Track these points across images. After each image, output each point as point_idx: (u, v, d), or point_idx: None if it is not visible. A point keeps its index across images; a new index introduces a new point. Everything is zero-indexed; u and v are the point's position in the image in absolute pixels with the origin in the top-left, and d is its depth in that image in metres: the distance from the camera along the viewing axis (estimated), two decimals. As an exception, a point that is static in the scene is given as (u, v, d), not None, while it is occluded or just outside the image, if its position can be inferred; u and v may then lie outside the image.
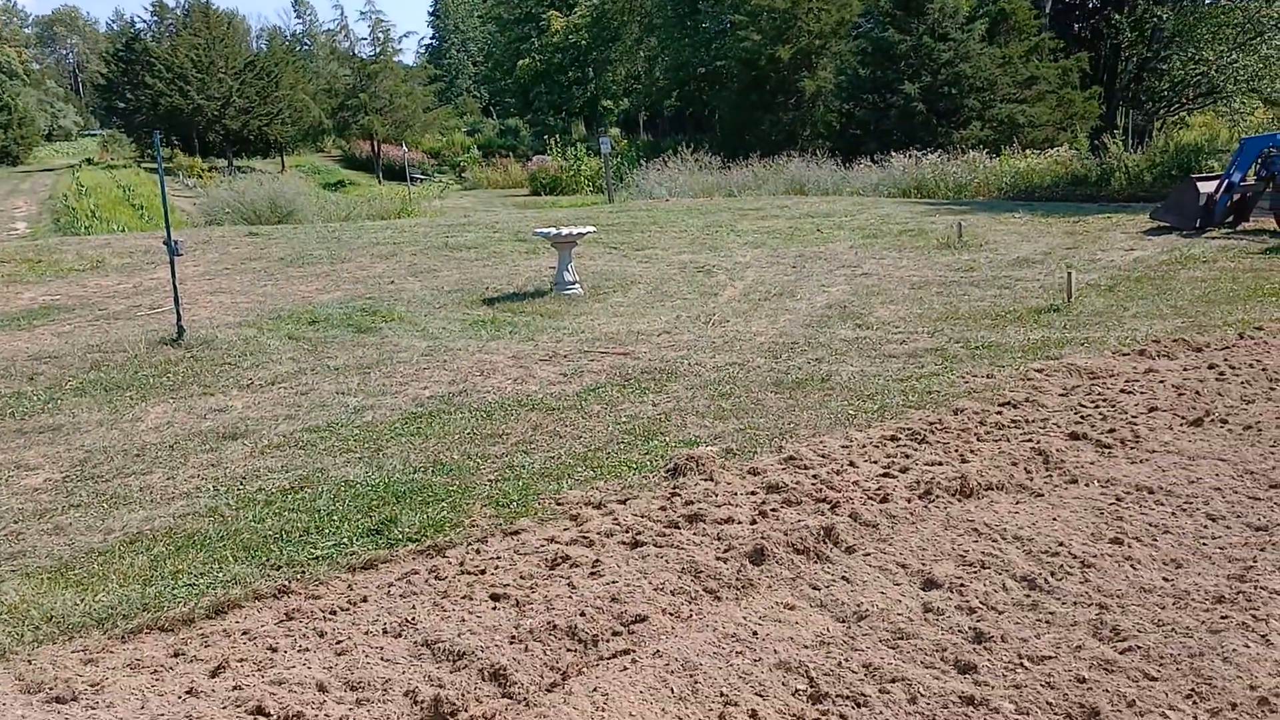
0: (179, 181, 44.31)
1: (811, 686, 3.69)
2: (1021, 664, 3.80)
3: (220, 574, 4.82)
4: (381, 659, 3.96)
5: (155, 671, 3.91)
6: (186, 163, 51.45)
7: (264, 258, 15.82)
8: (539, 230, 12.42)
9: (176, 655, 4.07)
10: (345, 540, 5.16)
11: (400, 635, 4.15)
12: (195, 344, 9.76)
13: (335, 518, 5.47)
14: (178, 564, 4.96)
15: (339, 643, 4.09)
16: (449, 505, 5.58)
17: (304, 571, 4.81)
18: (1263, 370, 7.65)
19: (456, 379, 8.36)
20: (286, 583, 4.67)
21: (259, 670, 3.89)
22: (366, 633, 4.17)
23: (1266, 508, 5.22)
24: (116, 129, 66.34)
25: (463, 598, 4.45)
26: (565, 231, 11.97)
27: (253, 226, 21.31)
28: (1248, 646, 3.85)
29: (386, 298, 12.10)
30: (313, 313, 11.20)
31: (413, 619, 4.26)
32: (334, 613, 4.37)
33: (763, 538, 4.85)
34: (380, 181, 51.38)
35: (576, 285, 12.17)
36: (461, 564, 4.81)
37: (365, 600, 4.48)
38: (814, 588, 4.48)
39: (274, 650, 4.05)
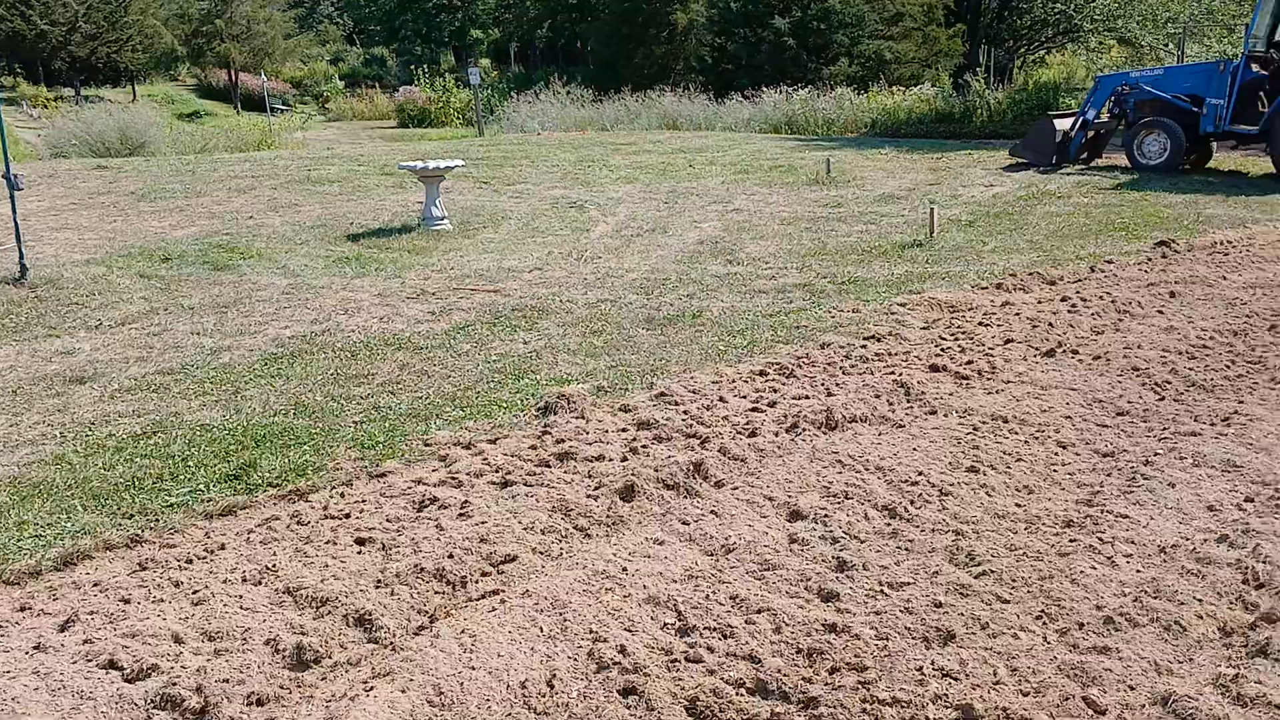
0: (22, 111, 41.81)
1: (680, 620, 3.72)
2: (882, 591, 3.90)
3: (69, 524, 4.61)
4: (241, 608, 3.84)
5: (0, 627, 3.73)
6: (30, 92, 48.42)
7: (113, 192, 15.06)
8: (405, 164, 12.08)
9: (23, 609, 3.88)
10: (202, 486, 4.98)
11: (260, 583, 4.03)
12: (39, 283, 9.25)
13: (191, 463, 5.27)
14: (22, 514, 4.72)
15: (196, 592, 3.95)
16: (312, 448, 5.43)
17: (158, 520, 4.63)
18: (1112, 302, 7.97)
19: (319, 318, 8.13)
20: (139, 532, 4.49)
21: (111, 623, 3.74)
22: (225, 581, 4.04)
23: (1113, 434, 5.46)
24: (-48, 55, 62.02)
25: (326, 543, 4.35)
26: (433, 165, 11.67)
27: (101, 159, 20.22)
28: (1094, 568, 4.03)
29: (245, 234, 11.66)
30: (166, 250, 10.72)
31: (274, 566, 4.14)
32: (190, 561, 4.22)
33: (633, 474, 4.86)
34: (239, 112, 49.32)
35: (445, 221, 11.92)
36: (325, 508, 4.69)
37: (223, 548, 4.33)
38: (683, 522, 4.52)
39: (127, 602, 3.89)
